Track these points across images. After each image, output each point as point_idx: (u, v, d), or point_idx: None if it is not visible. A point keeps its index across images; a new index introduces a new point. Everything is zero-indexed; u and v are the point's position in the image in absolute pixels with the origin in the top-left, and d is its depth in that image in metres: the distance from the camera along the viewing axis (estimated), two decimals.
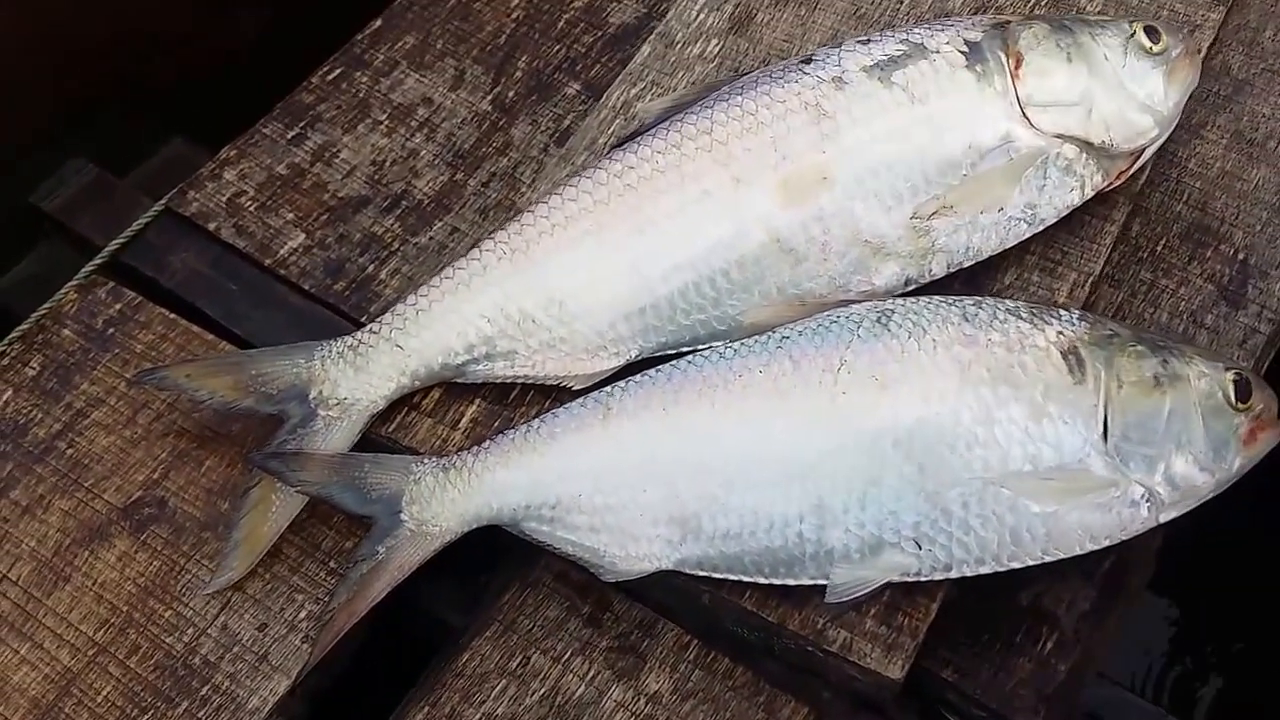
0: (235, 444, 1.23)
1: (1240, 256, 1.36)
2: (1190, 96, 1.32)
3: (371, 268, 1.40)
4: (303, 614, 1.13)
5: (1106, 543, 1.05)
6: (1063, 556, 1.05)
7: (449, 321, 1.18)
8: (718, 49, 1.43)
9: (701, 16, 1.46)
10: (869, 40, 1.24)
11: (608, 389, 1.13)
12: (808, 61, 1.23)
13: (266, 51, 1.72)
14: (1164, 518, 1.06)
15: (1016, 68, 1.21)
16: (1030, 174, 1.19)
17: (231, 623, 1.13)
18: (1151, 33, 1.24)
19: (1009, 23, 1.25)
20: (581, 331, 1.17)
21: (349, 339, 1.19)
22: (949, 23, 1.26)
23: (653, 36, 1.46)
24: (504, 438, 1.12)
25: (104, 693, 1.11)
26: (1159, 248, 1.37)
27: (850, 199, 1.16)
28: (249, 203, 1.44)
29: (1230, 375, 1.08)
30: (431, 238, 1.43)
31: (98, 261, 1.37)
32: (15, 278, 1.55)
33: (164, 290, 1.38)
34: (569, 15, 1.62)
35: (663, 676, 1.11)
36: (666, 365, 1.13)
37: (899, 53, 1.21)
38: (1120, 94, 1.22)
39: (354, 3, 1.65)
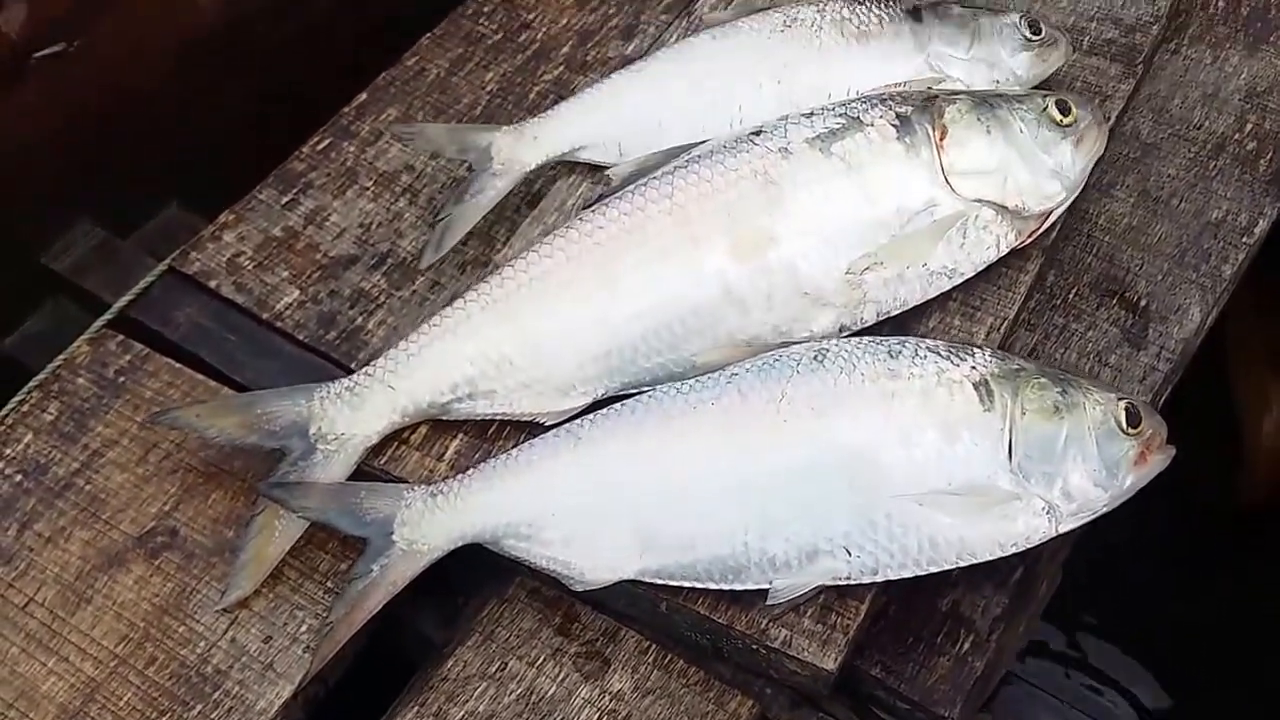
0: (238, 479, 1.43)
1: (1143, 303, 1.61)
2: (1102, 159, 1.57)
3: (360, 319, 1.62)
4: (304, 628, 1.33)
5: (1013, 550, 1.27)
6: (975, 561, 1.26)
7: (437, 365, 1.39)
8: None
9: None
10: (812, 114, 1.48)
11: (578, 421, 1.34)
12: (758, 133, 1.47)
13: (255, 123, 1.96)
14: (1063, 528, 1.27)
15: (941, 139, 1.44)
16: (951, 234, 1.42)
17: (239, 636, 1.32)
18: (1062, 106, 1.49)
19: (937, 97, 1.49)
20: (554, 373, 1.38)
21: (346, 381, 1.40)
22: (884, 97, 1.50)
23: None
24: (486, 466, 1.33)
25: (125, 698, 1.29)
26: (1071, 295, 1.62)
27: (793, 256, 1.39)
28: (247, 262, 1.67)
29: (1123, 404, 1.30)
30: (414, 291, 1.66)
31: (108, 317, 1.58)
32: (27, 332, 1.75)
33: (169, 342, 1.59)
34: (539, 88, 1.88)
35: (625, 677, 1.31)
36: (630, 400, 1.34)
37: (838, 125, 1.45)
38: (1032, 162, 1.46)
39: (339, 77, 1.90)
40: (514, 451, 1.33)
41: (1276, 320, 2.05)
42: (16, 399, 1.51)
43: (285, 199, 1.74)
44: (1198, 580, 2.01)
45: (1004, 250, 1.48)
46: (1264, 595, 1.95)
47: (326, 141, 1.81)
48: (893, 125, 1.45)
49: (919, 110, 1.46)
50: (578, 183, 1.64)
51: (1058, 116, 1.49)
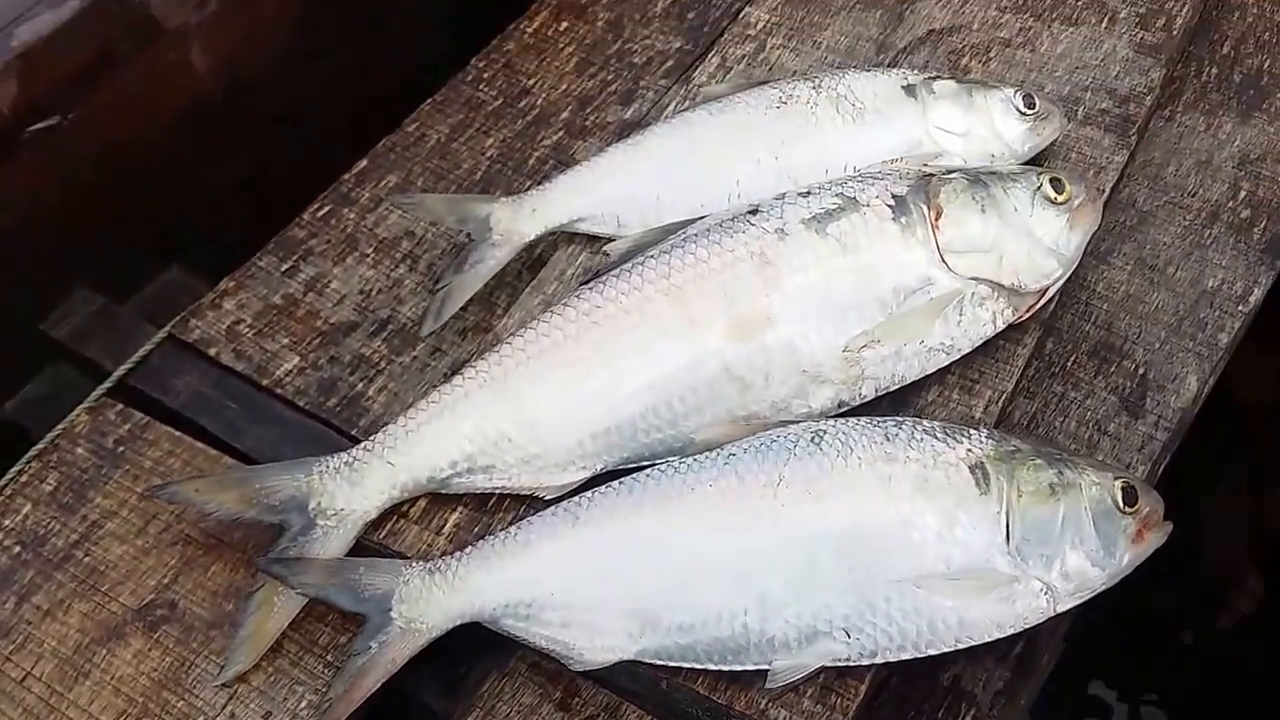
0: (237, 550, 1.45)
1: (1140, 372, 1.63)
2: (1099, 228, 1.60)
3: (360, 385, 1.64)
4: (303, 704, 1.34)
5: (1011, 631, 1.28)
6: (974, 643, 1.28)
7: (435, 441, 1.41)
8: None
9: None
10: (809, 193, 1.51)
11: (576, 499, 1.36)
12: (754, 212, 1.49)
13: (255, 188, 1.99)
14: (1061, 608, 1.29)
15: (936, 219, 1.47)
16: (949, 311, 1.45)
17: (239, 711, 1.33)
18: (1056, 184, 1.52)
19: (932, 176, 1.52)
20: (553, 449, 1.41)
21: (345, 455, 1.42)
22: (879, 176, 1.53)
23: None
24: (484, 543, 1.35)
25: None
26: (1069, 363, 1.64)
27: (790, 336, 1.41)
28: (247, 329, 1.69)
29: (1119, 483, 1.32)
30: (415, 357, 1.68)
31: (107, 385, 1.60)
32: (26, 398, 1.77)
33: (169, 410, 1.61)
34: (539, 153, 1.91)
35: None
36: (628, 478, 1.36)
37: (834, 206, 1.47)
38: (1027, 240, 1.49)
39: (340, 143, 1.93)
40: (512, 530, 1.35)
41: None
42: (15, 469, 1.53)
43: (285, 266, 1.77)
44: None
45: (1001, 326, 1.50)
46: None
47: (327, 208, 1.84)
48: (888, 205, 1.47)
49: (914, 190, 1.49)
50: (577, 252, 1.67)
51: (1052, 194, 1.52)
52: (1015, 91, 1.67)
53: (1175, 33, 1.90)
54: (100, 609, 1.41)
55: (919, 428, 1.35)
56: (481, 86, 1.99)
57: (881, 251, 1.45)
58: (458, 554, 1.35)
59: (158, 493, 1.42)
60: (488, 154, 1.91)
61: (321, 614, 1.39)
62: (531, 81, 2.00)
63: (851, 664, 1.27)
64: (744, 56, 1.91)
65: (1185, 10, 1.92)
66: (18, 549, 1.46)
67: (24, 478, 1.52)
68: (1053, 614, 1.30)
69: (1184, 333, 1.67)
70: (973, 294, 1.47)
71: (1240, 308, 1.70)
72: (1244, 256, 1.74)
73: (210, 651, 1.38)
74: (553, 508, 1.36)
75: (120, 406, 1.59)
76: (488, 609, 1.32)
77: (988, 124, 1.66)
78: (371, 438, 1.44)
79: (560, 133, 1.93)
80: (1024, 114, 1.66)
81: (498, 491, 1.43)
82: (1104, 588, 1.31)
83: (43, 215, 1.76)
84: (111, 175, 1.83)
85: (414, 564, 1.35)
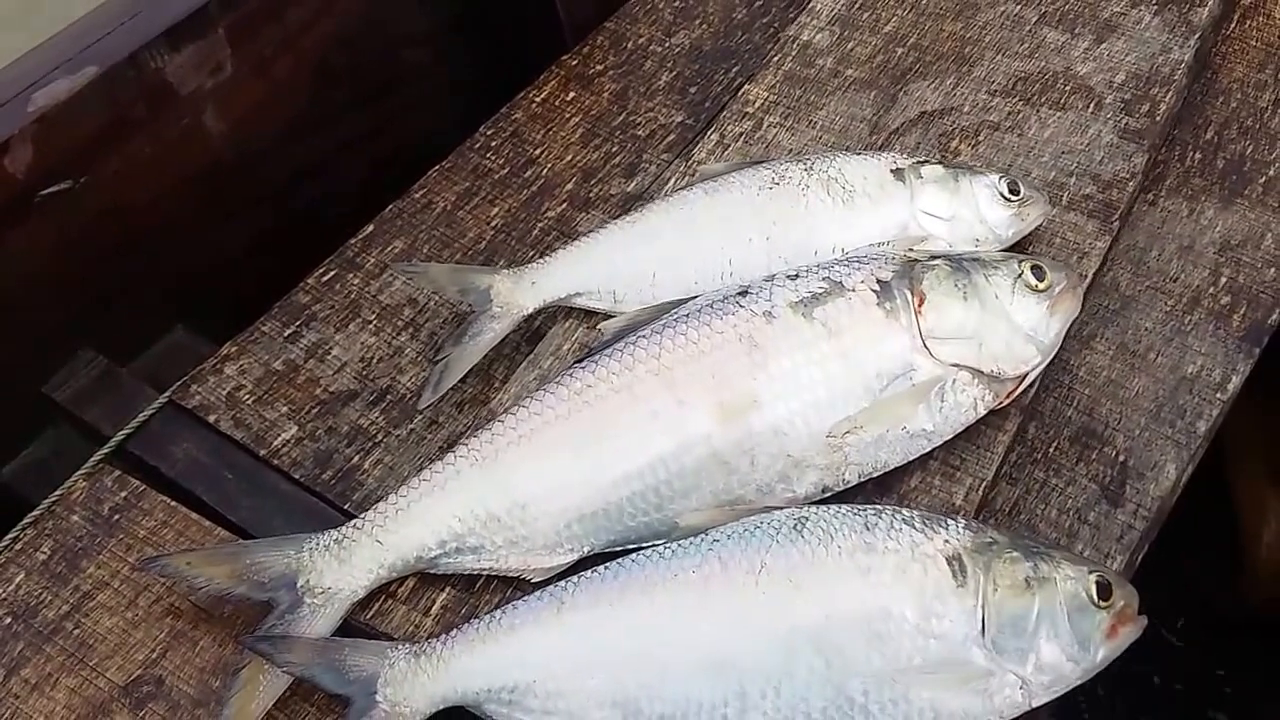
0: (227, 625, 1.41)
1: (1121, 459, 1.59)
2: (1083, 310, 1.57)
3: (356, 458, 1.61)
4: None
5: None
6: None
7: (425, 520, 1.38)
8: None
9: None
10: (797, 275, 1.49)
11: (561, 584, 1.32)
12: (744, 294, 1.47)
13: (264, 251, 1.96)
14: (1036, 703, 1.25)
15: (919, 305, 1.45)
16: (930, 398, 1.42)
17: None
18: (1037, 271, 1.50)
19: (916, 262, 1.50)
20: (541, 531, 1.37)
21: (335, 533, 1.39)
22: (865, 260, 1.51)
23: None
24: (469, 627, 1.31)
25: None
26: (1051, 449, 1.60)
27: (776, 420, 1.39)
28: (247, 396, 1.66)
29: (1094, 577, 1.29)
30: (412, 430, 1.64)
31: (105, 451, 1.57)
32: (24, 461, 1.73)
33: (166, 479, 1.57)
34: (543, 224, 1.88)
35: None
36: (613, 563, 1.33)
37: (821, 290, 1.46)
38: (1007, 328, 1.47)
39: (347, 207, 1.90)
40: (498, 614, 1.32)
41: (1274, 428, 2.02)
42: (10, 536, 1.49)
43: (288, 331, 1.74)
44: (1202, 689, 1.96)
45: (981, 412, 1.48)
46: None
47: (331, 273, 1.81)
48: (873, 290, 1.45)
49: (899, 275, 1.47)
50: (574, 328, 1.65)
51: (1033, 282, 1.50)
52: (1000, 178, 1.65)
53: (1159, 119, 1.88)
54: (87, 684, 1.37)
55: (898, 517, 1.32)
56: (489, 155, 1.97)
57: (866, 336, 1.43)
58: (443, 637, 1.31)
59: (150, 566, 1.39)
60: (492, 223, 1.88)
61: (307, 693, 1.35)
62: (538, 151, 1.97)
63: None
64: (742, 134, 1.90)
65: (1169, 97, 1.91)
66: (9, 620, 1.42)
67: (19, 545, 1.48)
68: (1028, 708, 1.26)
69: (1163, 419, 1.63)
70: (954, 380, 1.44)
71: (1219, 395, 1.66)
72: (1223, 344, 1.70)
73: None
74: (538, 592, 1.33)
75: (118, 473, 1.56)
76: (471, 694, 1.28)
77: (973, 209, 1.64)
78: (362, 515, 1.41)
79: (564, 204, 1.91)
80: (1008, 200, 1.64)
81: (485, 573, 1.39)
82: (1079, 682, 1.28)
83: (49, 277, 1.73)
84: (120, 238, 1.80)
85: (399, 646, 1.31)
